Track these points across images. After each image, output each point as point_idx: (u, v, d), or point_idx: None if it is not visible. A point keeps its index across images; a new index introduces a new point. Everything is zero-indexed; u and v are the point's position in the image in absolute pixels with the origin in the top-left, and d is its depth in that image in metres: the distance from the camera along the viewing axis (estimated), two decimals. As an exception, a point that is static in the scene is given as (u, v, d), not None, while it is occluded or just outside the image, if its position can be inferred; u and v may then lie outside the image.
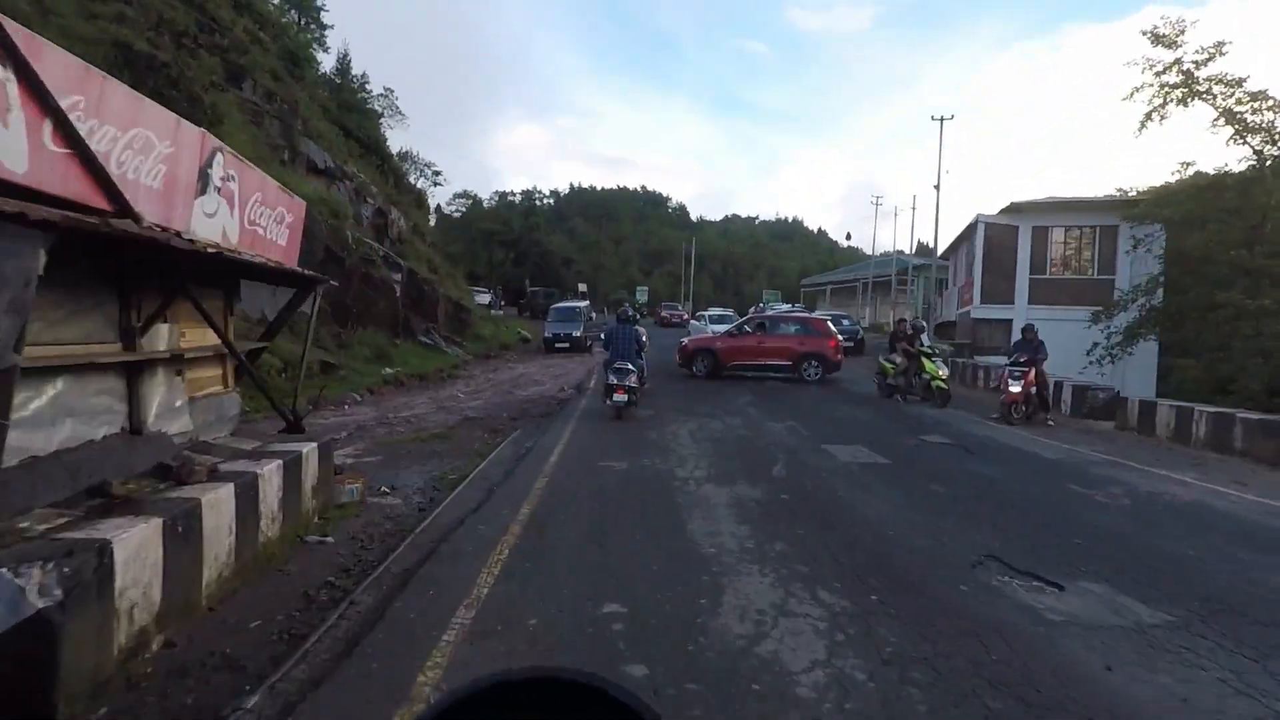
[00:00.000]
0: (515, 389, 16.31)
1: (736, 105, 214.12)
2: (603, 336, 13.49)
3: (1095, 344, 19.36)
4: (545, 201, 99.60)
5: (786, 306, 40.38)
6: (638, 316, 17.70)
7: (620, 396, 11.77)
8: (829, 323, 19.59)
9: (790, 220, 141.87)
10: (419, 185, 49.45)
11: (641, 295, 52.52)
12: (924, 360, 13.83)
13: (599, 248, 68.48)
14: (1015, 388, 11.61)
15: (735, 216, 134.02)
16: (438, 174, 52.25)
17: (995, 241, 23.37)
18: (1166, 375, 20.54)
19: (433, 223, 76.29)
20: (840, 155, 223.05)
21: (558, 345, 25.56)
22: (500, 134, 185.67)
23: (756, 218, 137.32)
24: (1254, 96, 17.16)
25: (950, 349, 22.34)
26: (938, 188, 22.87)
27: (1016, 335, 14.20)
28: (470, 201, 78.35)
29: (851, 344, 25.53)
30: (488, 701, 0.59)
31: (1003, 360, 13.78)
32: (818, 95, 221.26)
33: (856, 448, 9.17)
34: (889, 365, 14.48)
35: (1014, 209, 22.74)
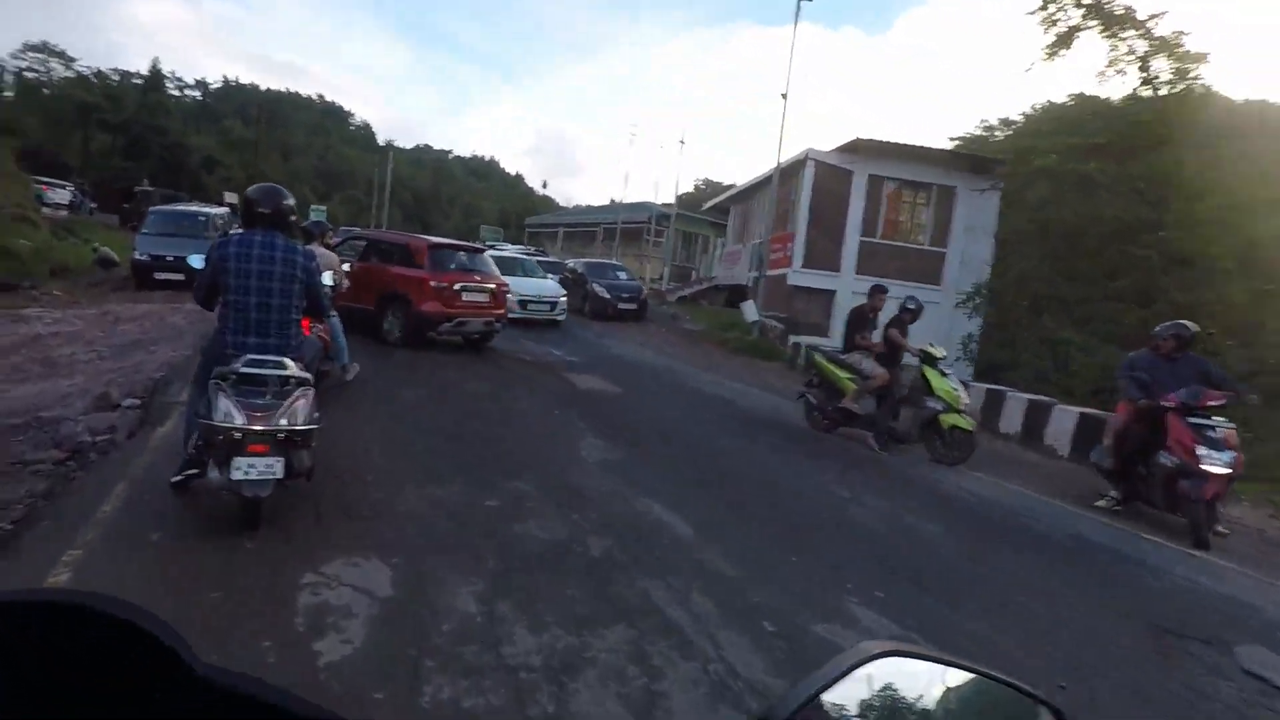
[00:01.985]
0: (-28, 391, 6.18)
1: (432, 34, 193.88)
2: (201, 265, 4.63)
3: (970, 335, 15.19)
4: (188, 93, 76.40)
5: (514, 248, 32.51)
6: (328, 227, 8.44)
7: (262, 463, 3.48)
8: (427, 247, 10.19)
9: (487, 159, 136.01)
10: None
11: (318, 216, 39.92)
12: (928, 375, 7.23)
13: (258, 151, 51.91)
14: (1218, 466, 5.48)
15: (428, 147, 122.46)
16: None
17: (824, 188, 18.23)
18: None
19: (2, 87, 51.75)
20: (535, 105, 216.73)
21: (159, 276, 14.36)
22: (119, 4, 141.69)
23: (450, 152, 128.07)
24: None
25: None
26: (785, 96, 16.94)
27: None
28: (57, 60, 54.33)
29: (634, 306, 18.74)
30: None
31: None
32: (517, 42, 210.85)
33: None
34: (843, 375, 7.63)
35: (853, 147, 17.74)
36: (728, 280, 23.84)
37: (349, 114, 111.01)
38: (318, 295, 4.02)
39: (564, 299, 15.38)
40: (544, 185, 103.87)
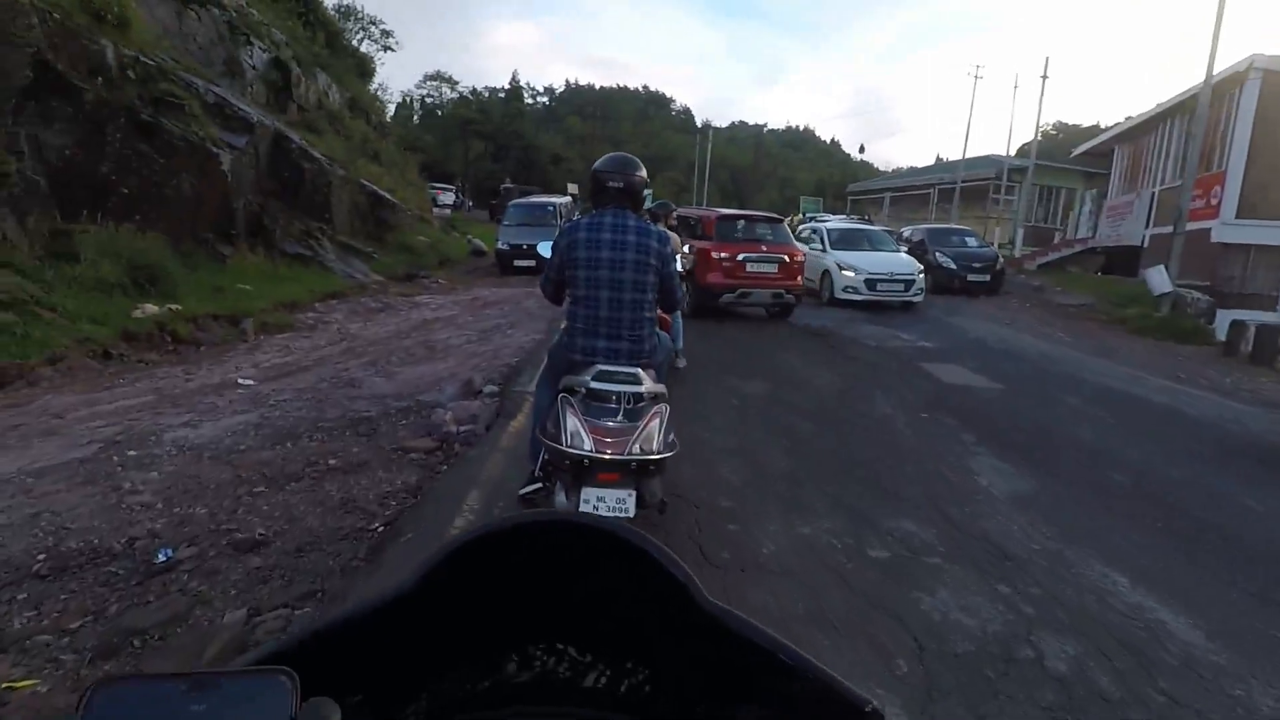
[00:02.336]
0: (374, 370, 6.94)
1: (743, 9, 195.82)
2: (548, 254, 3.34)
3: None
4: (539, 100, 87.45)
5: (837, 218, 30.63)
6: (672, 207, 8.04)
7: (613, 496, 2.80)
8: (715, 219, 10.70)
9: (801, 129, 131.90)
10: (364, 49, 38.17)
11: (646, 201, 42.35)
12: None
13: (593, 143, 57.13)
14: None
15: (743, 123, 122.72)
16: (388, 34, 40.60)
17: (1273, 110, 13.50)
18: None
19: (413, 113, 64.69)
20: (849, 66, 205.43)
21: (517, 263, 15.94)
22: (488, 32, 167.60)
23: (765, 125, 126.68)
24: None
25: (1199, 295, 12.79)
26: None
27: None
28: (445, 85, 65.55)
29: (987, 277, 15.99)
30: (506, 541, 0.57)
31: None
32: (836, 3, 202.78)
33: None
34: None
35: (1328, 48, 12.70)
36: (1112, 241, 19.35)
37: (670, 100, 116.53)
38: (673, 286, 3.27)
39: (921, 276, 12.86)
40: (861, 150, 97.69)
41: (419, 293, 12.95)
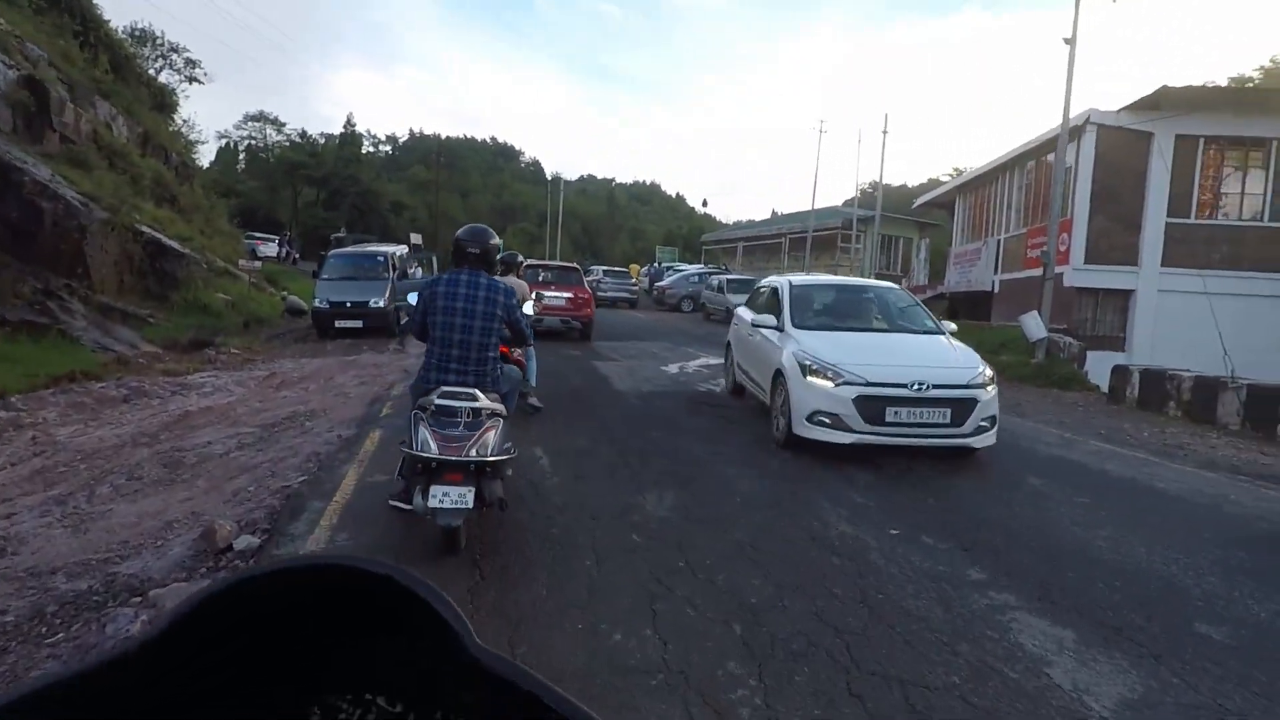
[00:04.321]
0: (59, 514, 4.31)
1: (594, 68, 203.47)
2: (410, 300, 4.15)
3: None
4: (381, 148, 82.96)
5: (694, 268, 30.27)
6: (519, 260, 6.85)
7: (455, 492, 3.35)
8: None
9: (648, 183, 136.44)
10: (164, 79, 33.61)
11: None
12: None
13: (440, 190, 54.00)
14: None
15: (592, 177, 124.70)
16: (194, 64, 36.06)
17: (1111, 159, 13.94)
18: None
19: (237, 156, 58.32)
20: (697, 124, 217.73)
21: (339, 324, 13.22)
22: (329, 79, 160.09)
23: (614, 179, 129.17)
24: None
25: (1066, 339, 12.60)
26: (1069, 41, 12.61)
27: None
28: (271, 127, 59.51)
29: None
30: (270, 588, 0.51)
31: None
32: (677, 64, 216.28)
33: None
34: None
35: (1154, 102, 13.31)
36: (963, 287, 19.69)
37: (519, 152, 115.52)
38: (521, 329, 4.08)
39: (992, 388, 5.97)
40: (704, 204, 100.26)
41: (199, 368, 9.98)
